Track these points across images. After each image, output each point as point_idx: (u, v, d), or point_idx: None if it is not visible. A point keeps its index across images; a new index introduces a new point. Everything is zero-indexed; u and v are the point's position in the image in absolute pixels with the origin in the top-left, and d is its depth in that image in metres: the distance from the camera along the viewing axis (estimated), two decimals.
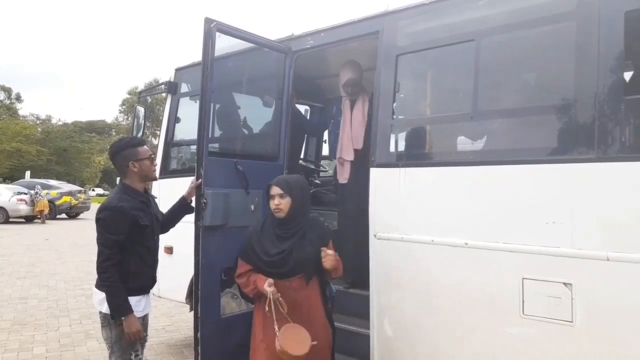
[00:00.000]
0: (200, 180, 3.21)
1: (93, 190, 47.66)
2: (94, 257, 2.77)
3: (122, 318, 2.68)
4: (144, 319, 2.93)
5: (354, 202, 3.90)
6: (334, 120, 4.65)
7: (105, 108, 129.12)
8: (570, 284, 2.49)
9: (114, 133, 63.47)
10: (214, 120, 3.53)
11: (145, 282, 2.87)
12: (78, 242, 13.97)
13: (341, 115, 4.12)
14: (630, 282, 2.34)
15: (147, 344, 3.08)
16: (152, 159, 2.96)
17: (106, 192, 56.72)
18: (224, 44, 3.42)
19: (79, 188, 26.17)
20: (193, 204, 3.26)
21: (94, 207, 26.54)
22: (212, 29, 3.20)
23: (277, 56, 3.86)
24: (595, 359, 2.44)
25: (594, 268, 2.43)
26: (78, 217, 24.13)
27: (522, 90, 2.97)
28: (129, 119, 63.60)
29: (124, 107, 65.50)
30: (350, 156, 3.89)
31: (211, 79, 3.22)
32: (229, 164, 3.44)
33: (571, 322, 2.49)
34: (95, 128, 58.72)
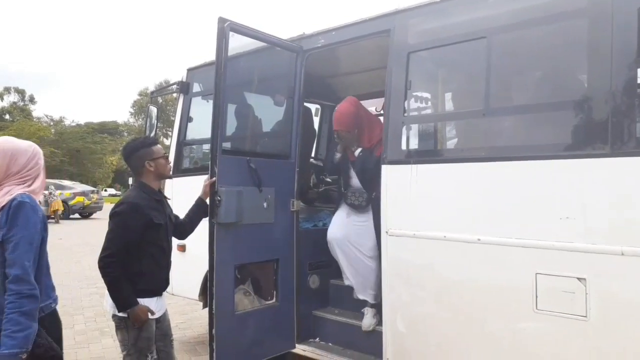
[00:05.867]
0: (214, 178, 3.24)
1: (105, 190, 48.11)
2: None
3: (128, 310, 2.68)
4: (164, 319, 2.95)
5: None
6: None
7: (117, 109, 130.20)
8: (584, 279, 2.50)
9: (125, 134, 63.96)
10: (227, 119, 3.57)
11: (157, 284, 2.86)
12: (91, 241, 14.08)
13: None
14: None
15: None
16: (166, 158, 2.99)
17: (118, 193, 57.24)
18: (236, 44, 3.45)
19: (92, 188, 26.44)
20: None
21: (107, 207, 26.80)
22: (225, 28, 3.24)
23: (289, 55, 3.89)
24: (610, 354, 2.44)
25: (608, 263, 2.43)
26: (91, 217, 24.37)
27: (534, 87, 2.98)
28: (140, 120, 64.09)
29: (134, 108, 65.89)
30: None
31: (225, 78, 3.25)
32: (242, 162, 3.48)
33: (585, 317, 2.49)
34: (107, 129, 59.25)
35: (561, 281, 2.57)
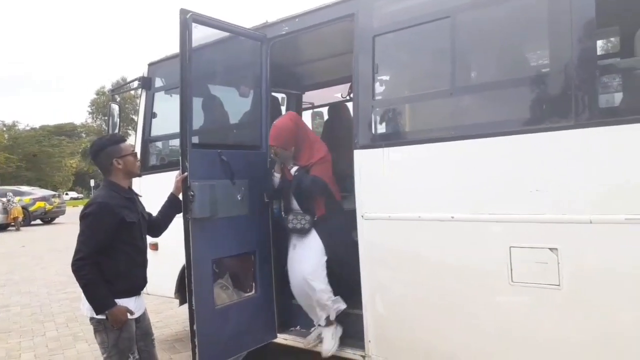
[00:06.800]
0: (186, 173, 3.19)
1: (66, 194, 46.70)
2: None
3: (107, 312, 2.62)
4: (144, 318, 2.91)
5: None
6: None
7: (74, 110, 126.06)
8: (556, 249, 2.57)
9: (84, 135, 62.16)
10: (194, 112, 3.50)
11: (135, 282, 2.82)
12: (56, 247, 13.71)
13: None
14: (613, 243, 2.42)
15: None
16: (135, 155, 2.92)
17: (80, 196, 55.76)
18: (199, 35, 3.38)
19: (53, 193, 25.59)
20: None
21: (70, 211, 26.13)
22: (188, 19, 3.17)
23: (253, 44, 3.84)
24: (583, 320, 2.53)
25: (578, 232, 2.51)
26: (53, 222, 23.67)
27: (498, 64, 3.02)
28: (98, 120, 62.38)
29: (92, 108, 63.96)
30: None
31: (190, 70, 3.19)
32: (213, 155, 3.43)
33: (558, 285, 2.57)
34: (65, 131, 57.36)
35: (534, 253, 2.64)
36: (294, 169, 3.65)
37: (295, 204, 3.74)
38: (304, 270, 3.60)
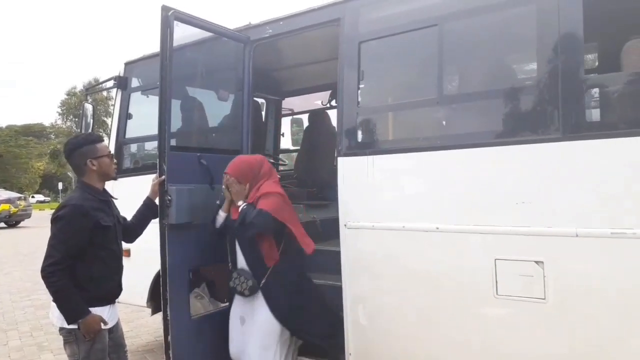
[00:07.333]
0: (163, 176, 3.07)
1: (33, 197, 45.41)
2: (40, 266, 2.52)
3: (80, 321, 2.48)
4: (117, 328, 2.77)
5: None
6: None
7: (43, 111, 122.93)
8: (542, 262, 2.54)
9: (52, 137, 60.67)
10: (172, 114, 3.38)
11: (110, 289, 2.69)
12: (21, 251, 13.25)
13: None
14: (599, 257, 2.41)
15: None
16: (111, 157, 2.79)
17: (47, 199, 54.27)
18: (179, 35, 3.28)
19: (18, 195, 24.73)
20: None
21: (36, 214, 25.36)
22: (169, 17, 3.06)
23: (236, 46, 3.75)
24: (569, 334, 2.49)
25: (564, 245, 2.49)
26: (18, 225, 22.89)
27: (485, 74, 3.01)
28: (69, 121, 60.97)
29: (63, 108, 62.41)
30: None
31: (171, 70, 3.08)
32: (192, 158, 3.32)
33: (544, 299, 2.54)
34: (33, 132, 55.83)
35: (520, 265, 2.61)
36: (241, 206, 3.14)
37: (240, 257, 3.23)
38: (251, 355, 3.12)
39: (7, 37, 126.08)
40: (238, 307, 3.26)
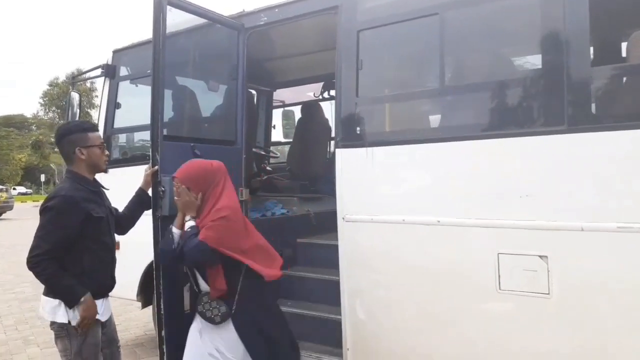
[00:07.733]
0: (156, 167, 2.96)
1: (14, 189, 44.57)
2: (23, 258, 2.44)
3: (81, 300, 2.40)
4: (110, 323, 2.69)
5: None
6: None
7: (24, 101, 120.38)
8: (546, 257, 2.50)
9: (34, 128, 59.62)
10: (165, 102, 3.27)
11: (103, 282, 2.60)
12: (3, 243, 12.99)
13: None
14: (604, 251, 2.36)
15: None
16: (103, 148, 2.68)
17: (29, 191, 53.41)
18: (171, 22, 3.16)
19: (0, 187, 24.29)
20: None
21: (18, 206, 24.89)
22: (162, 2, 2.95)
23: (230, 33, 3.63)
24: (573, 330, 2.46)
25: (569, 239, 2.44)
26: (0, 217, 22.47)
27: (490, 63, 2.94)
28: (51, 112, 59.96)
29: (45, 99, 61.26)
30: None
31: (164, 56, 2.96)
32: (186, 148, 3.21)
33: (548, 294, 2.50)
34: (14, 123, 54.75)
35: (523, 260, 2.56)
36: (188, 224, 2.63)
37: (202, 281, 2.70)
38: None
39: (7, 37, 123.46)
40: (197, 324, 2.75)
